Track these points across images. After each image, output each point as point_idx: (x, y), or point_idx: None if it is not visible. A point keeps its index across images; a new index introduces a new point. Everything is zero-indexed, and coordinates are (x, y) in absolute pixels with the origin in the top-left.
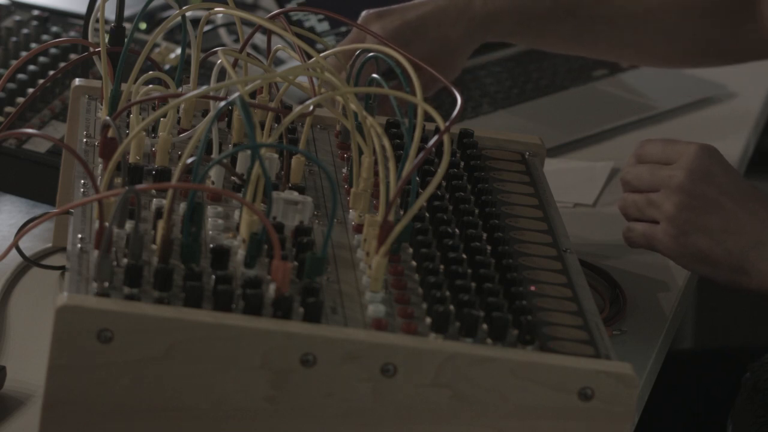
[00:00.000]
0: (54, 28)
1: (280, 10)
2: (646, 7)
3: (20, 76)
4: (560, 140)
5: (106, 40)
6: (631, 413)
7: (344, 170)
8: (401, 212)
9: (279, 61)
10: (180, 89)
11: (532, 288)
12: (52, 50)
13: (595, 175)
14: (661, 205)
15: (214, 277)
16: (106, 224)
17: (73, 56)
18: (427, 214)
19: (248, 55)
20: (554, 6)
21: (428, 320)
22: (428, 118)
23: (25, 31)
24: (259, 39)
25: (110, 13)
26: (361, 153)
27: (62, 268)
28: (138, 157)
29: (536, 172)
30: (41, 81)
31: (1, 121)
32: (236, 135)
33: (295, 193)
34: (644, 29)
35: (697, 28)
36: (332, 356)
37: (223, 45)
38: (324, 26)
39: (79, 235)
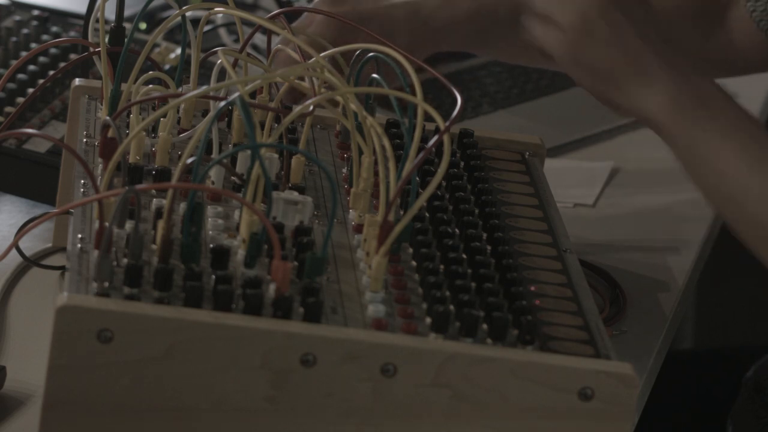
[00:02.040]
0: (54, 28)
1: (280, 10)
2: None
3: (20, 76)
4: (560, 140)
5: (106, 40)
6: (631, 413)
7: (344, 170)
8: (401, 212)
9: None
10: (180, 89)
11: (532, 288)
12: (52, 50)
13: (595, 175)
14: (569, 12)
15: (214, 277)
16: (106, 224)
17: (73, 56)
18: (427, 214)
19: (248, 55)
20: (515, 14)
21: (428, 320)
22: (428, 118)
23: (25, 31)
24: (259, 39)
25: (110, 13)
26: (361, 153)
27: (62, 268)
28: (138, 157)
29: (536, 172)
30: (41, 81)
31: (1, 121)
32: (236, 135)
33: (295, 193)
34: None
35: (665, 35)
36: (332, 356)
37: (223, 45)
38: None
39: (79, 235)
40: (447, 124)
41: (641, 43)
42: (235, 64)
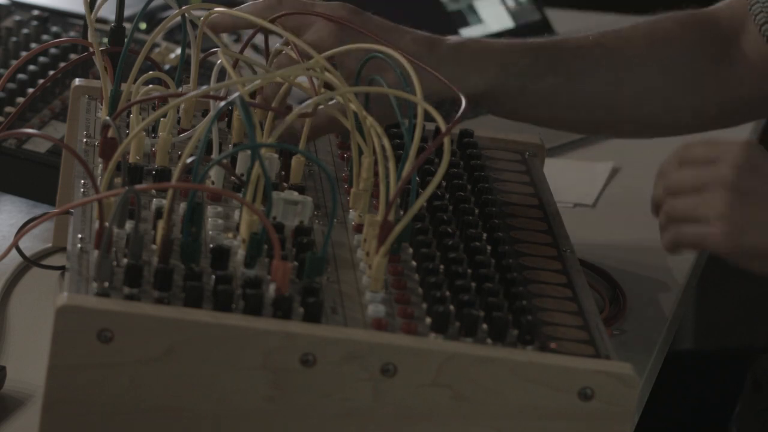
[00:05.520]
0: (54, 28)
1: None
2: (626, 57)
3: (20, 76)
4: (560, 140)
5: (106, 39)
6: (631, 413)
7: (345, 170)
8: (401, 212)
9: None
10: (180, 89)
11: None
12: (52, 50)
13: (595, 175)
14: (712, 204)
15: (214, 277)
16: (106, 224)
17: (73, 56)
18: (427, 214)
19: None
20: (534, 62)
21: (428, 320)
22: (428, 117)
23: (25, 31)
24: (259, 39)
25: (110, 13)
26: (361, 153)
27: (62, 268)
28: (138, 157)
29: (536, 172)
30: (41, 81)
31: (1, 121)
32: (236, 135)
33: (295, 193)
34: (626, 83)
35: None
36: (332, 356)
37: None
38: None
39: (79, 235)
40: (449, 125)
41: None
42: (235, 64)
